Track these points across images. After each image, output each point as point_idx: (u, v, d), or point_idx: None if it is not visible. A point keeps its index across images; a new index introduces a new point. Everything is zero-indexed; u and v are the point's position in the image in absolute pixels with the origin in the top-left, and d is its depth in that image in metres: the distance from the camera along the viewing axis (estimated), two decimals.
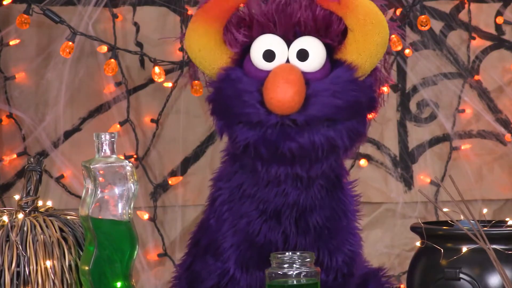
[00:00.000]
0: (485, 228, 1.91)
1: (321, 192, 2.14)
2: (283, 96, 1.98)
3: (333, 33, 2.07)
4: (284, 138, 2.01)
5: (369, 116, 2.13)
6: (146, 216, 3.03)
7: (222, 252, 2.18)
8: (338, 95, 2.02)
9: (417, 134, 3.11)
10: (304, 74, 2.03)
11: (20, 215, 1.89)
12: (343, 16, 2.06)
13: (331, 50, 2.07)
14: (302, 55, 2.06)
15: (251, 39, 2.08)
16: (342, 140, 2.04)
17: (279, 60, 2.06)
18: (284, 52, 2.07)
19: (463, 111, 3.11)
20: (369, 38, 2.07)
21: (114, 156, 1.82)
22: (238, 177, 2.16)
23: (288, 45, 2.07)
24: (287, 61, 2.06)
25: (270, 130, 2.02)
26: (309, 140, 2.01)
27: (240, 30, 2.09)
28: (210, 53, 2.11)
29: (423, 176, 3.09)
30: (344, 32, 2.08)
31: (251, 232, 2.14)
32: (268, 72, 2.04)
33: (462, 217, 2.02)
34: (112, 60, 2.97)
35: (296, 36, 2.07)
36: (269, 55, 2.07)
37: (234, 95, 2.04)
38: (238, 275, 2.16)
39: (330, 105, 2.02)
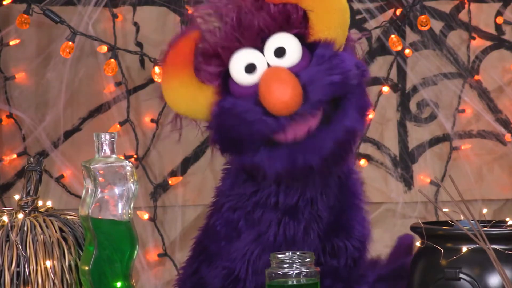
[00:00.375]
0: (485, 228, 1.91)
1: (335, 181, 2.16)
2: (283, 95, 1.97)
3: (295, 22, 2.06)
4: (304, 155, 2.02)
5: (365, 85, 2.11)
6: (146, 216, 3.03)
7: (235, 258, 2.18)
8: (331, 71, 2.02)
9: (417, 134, 3.11)
10: (290, 69, 2.02)
11: (20, 215, 1.89)
12: (297, 2, 2.06)
13: (302, 38, 2.07)
14: (279, 53, 2.05)
15: (224, 65, 2.07)
16: (356, 124, 2.05)
17: (261, 68, 2.05)
18: (261, 59, 2.06)
19: (463, 111, 3.11)
20: (331, 10, 2.07)
21: (114, 156, 1.82)
22: (247, 184, 2.16)
23: (262, 51, 2.07)
24: (268, 66, 2.06)
25: (289, 149, 2.02)
26: (330, 146, 2.02)
27: (210, 62, 2.08)
28: (194, 99, 2.10)
29: (423, 176, 3.09)
30: (305, 17, 2.07)
31: (260, 234, 2.14)
32: (256, 84, 2.03)
33: (462, 217, 2.02)
34: (112, 60, 2.97)
35: (264, 41, 2.07)
36: (250, 68, 2.05)
37: (237, 121, 2.03)
38: (243, 276, 2.16)
39: (329, 84, 2.01)
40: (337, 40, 2.06)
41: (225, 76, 2.07)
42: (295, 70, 2.02)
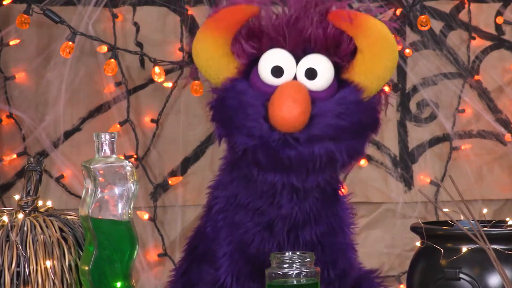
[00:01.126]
0: (485, 228, 1.92)
1: (317, 205, 2.13)
2: (288, 115, 1.97)
3: (342, 52, 2.05)
4: (284, 146, 2.00)
5: (371, 137, 2.13)
6: (146, 216, 3.03)
7: (216, 261, 2.19)
8: (343, 116, 2.01)
9: (417, 134, 3.11)
10: (311, 92, 2.02)
11: (20, 215, 1.89)
12: (354, 36, 2.04)
13: (339, 69, 2.06)
14: (311, 74, 2.04)
15: (260, 51, 2.07)
16: (342, 156, 2.02)
17: (286, 77, 2.04)
18: (292, 68, 2.05)
19: (463, 111, 3.11)
20: (378, 61, 2.05)
21: (114, 156, 1.82)
22: (235, 186, 2.16)
23: (297, 61, 2.06)
24: (295, 77, 2.06)
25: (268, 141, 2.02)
26: (308, 150, 2.00)
27: (249, 41, 2.08)
28: (217, 62, 2.09)
29: (423, 176, 3.09)
30: (353, 52, 2.06)
31: (245, 242, 2.14)
32: (274, 87, 2.03)
33: (462, 217, 2.02)
34: (112, 60, 2.97)
35: (306, 52, 2.06)
36: (277, 71, 2.05)
37: (238, 106, 2.04)
38: (229, 285, 2.16)
39: (334, 126, 2.01)
40: (368, 90, 2.05)
41: (254, 60, 2.08)
42: (314, 96, 2.02)
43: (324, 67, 2.04)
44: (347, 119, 2.02)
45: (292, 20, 2.06)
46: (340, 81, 2.05)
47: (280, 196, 2.07)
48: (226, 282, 2.14)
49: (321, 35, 2.04)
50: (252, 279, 2.12)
